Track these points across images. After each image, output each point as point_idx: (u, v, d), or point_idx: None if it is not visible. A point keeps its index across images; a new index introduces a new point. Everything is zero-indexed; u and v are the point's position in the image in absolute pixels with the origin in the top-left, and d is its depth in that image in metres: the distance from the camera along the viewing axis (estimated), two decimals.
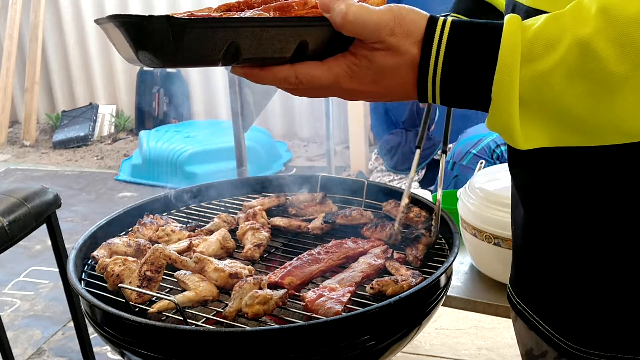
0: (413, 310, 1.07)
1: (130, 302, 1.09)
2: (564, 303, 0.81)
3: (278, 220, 1.41)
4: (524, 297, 0.89)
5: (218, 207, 1.54)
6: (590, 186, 0.73)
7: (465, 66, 0.61)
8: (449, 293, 1.26)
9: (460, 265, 1.69)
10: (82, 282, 1.19)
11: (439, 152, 4.36)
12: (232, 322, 1.04)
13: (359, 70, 0.64)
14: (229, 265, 1.17)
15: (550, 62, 0.58)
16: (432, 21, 0.63)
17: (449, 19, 0.63)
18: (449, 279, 1.20)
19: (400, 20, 0.62)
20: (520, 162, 0.81)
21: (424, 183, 4.44)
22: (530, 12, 0.69)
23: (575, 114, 0.60)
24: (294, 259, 1.21)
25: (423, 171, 4.39)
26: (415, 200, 1.45)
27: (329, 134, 3.29)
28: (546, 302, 0.84)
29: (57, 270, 2.11)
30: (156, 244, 1.21)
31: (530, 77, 0.59)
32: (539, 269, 0.84)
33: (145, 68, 6.34)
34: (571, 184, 0.74)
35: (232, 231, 1.37)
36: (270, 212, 1.48)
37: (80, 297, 1.09)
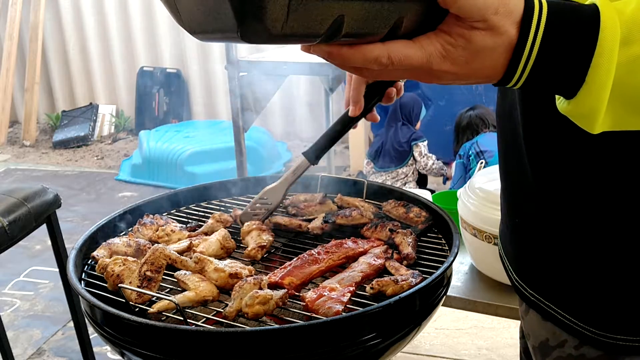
0: (413, 310, 1.07)
1: (130, 302, 1.09)
2: (583, 289, 0.80)
3: (279, 218, 1.42)
4: (537, 287, 0.87)
5: (218, 207, 1.54)
6: (613, 164, 0.72)
7: (562, 49, 0.59)
8: (449, 293, 1.26)
9: (460, 265, 1.69)
10: (82, 282, 1.19)
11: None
12: (232, 322, 1.04)
13: (454, 50, 0.60)
14: (229, 265, 1.17)
15: None
16: (528, 1, 0.60)
17: None
18: (449, 279, 1.20)
19: None
20: (541, 145, 0.79)
21: (421, 183, 4.45)
22: None
23: None
24: (294, 259, 1.21)
25: (415, 170, 4.39)
26: (415, 200, 1.45)
27: None
28: (563, 289, 0.83)
29: (57, 270, 2.11)
30: (156, 244, 1.21)
31: (627, 61, 0.58)
32: (554, 257, 0.83)
33: (146, 68, 6.34)
34: (592, 164, 0.74)
35: (231, 230, 1.37)
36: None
37: (80, 297, 1.09)
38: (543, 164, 0.80)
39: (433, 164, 4.32)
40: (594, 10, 0.59)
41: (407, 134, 4.33)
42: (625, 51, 0.58)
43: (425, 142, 4.34)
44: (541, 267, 0.86)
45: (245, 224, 1.35)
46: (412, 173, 4.35)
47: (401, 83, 1.20)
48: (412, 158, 4.33)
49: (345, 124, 1.20)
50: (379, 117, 1.21)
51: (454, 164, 3.98)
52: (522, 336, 1.08)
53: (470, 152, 3.64)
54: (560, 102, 0.64)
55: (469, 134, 3.88)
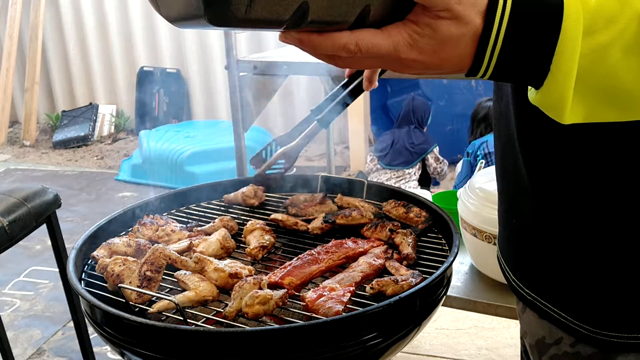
0: (413, 310, 1.07)
1: (130, 302, 1.09)
2: (578, 287, 0.81)
3: (278, 215, 1.42)
4: (534, 286, 0.88)
5: (218, 207, 1.54)
6: (606, 163, 0.73)
7: (526, 38, 0.60)
8: (449, 293, 1.26)
9: (460, 265, 1.69)
10: (82, 282, 1.19)
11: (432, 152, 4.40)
12: (232, 322, 1.04)
13: (421, 39, 0.61)
14: (229, 265, 1.17)
15: (609, 35, 0.58)
16: None
17: None
18: (449, 279, 1.20)
19: None
20: (534, 144, 0.81)
21: (422, 182, 4.45)
22: None
23: (625, 88, 0.60)
24: (294, 259, 1.21)
25: (419, 170, 4.40)
26: (415, 200, 1.45)
27: (329, 134, 3.29)
28: (559, 288, 0.84)
29: (57, 270, 2.11)
30: (156, 244, 1.21)
31: (590, 50, 0.59)
32: (550, 256, 0.83)
33: (146, 68, 6.34)
34: (584, 162, 0.75)
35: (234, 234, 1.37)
36: (270, 211, 1.48)
37: (80, 297, 1.09)
38: (537, 163, 0.81)
39: (447, 167, 4.41)
40: (558, 2, 0.60)
41: (421, 137, 4.38)
42: (589, 41, 0.59)
43: (437, 148, 4.40)
44: (537, 267, 0.87)
45: (249, 222, 1.36)
46: (415, 173, 4.37)
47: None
48: (420, 161, 4.37)
49: (352, 91, 1.25)
50: (377, 84, 1.26)
51: (459, 164, 3.96)
52: (522, 335, 1.09)
53: (479, 151, 3.60)
54: (531, 93, 0.65)
55: (482, 128, 3.85)
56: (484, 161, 3.44)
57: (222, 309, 1.08)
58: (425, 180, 4.49)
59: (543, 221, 0.83)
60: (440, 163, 4.42)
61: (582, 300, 0.81)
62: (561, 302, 0.84)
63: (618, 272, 0.77)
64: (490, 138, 3.66)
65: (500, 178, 0.96)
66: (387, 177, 4.30)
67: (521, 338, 1.10)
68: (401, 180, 4.31)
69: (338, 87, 1.28)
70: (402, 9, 0.63)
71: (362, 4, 0.62)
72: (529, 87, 0.65)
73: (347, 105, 1.29)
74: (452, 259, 1.16)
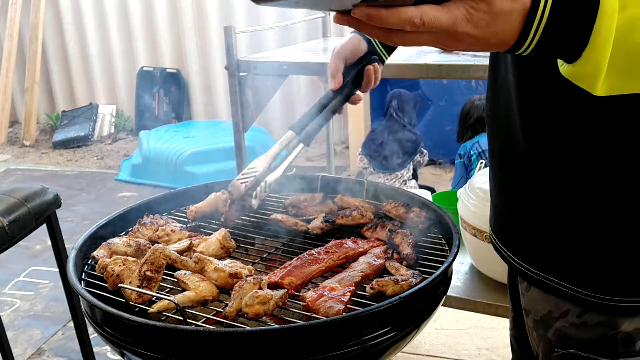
0: (413, 310, 1.07)
1: (130, 302, 1.09)
2: (585, 258, 0.86)
3: (278, 215, 1.42)
4: (541, 265, 0.93)
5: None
6: (605, 142, 0.80)
7: (569, 13, 0.66)
8: (449, 293, 1.26)
9: (460, 265, 1.69)
10: (82, 282, 1.19)
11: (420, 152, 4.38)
12: (232, 322, 1.04)
13: (477, 13, 0.66)
14: (229, 265, 1.17)
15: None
16: None
17: None
18: (449, 279, 1.20)
19: None
20: (538, 131, 0.86)
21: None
22: None
23: None
24: (294, 259, 1.21)
25: (411, 169, 4.39)
26: (415, 200, 1.45)
27: (329, 134, 3.28)
28: (565, 262, 0.89)
29: (57, 270, 2.11)
30: (156, 244, 1.21)
31: (624, 23, 0.65)
32: (555, 233, 0.89)
33: (146, 68, 6.34)
34: (584, 143, 0.81)
35: (232, 230, 1.37)
36: (270, 211, 1.48)
37: (80, 297, 1.09)
38: (541, 148, 0.87)
39: (427, 159, 4.40)
40: None
41: (410, 136, 4.33)
42: (624, 14, 0.65)
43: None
44: (543, 245, 0.92)
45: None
46: (407, 172, 4.36)
47: (379, 67, 1.30)
48: (411, 162, 4.35)
49: (329, 98, 1.28)
50: (362, 98, 1.30)
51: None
52: (514, 326, 1.15)
53: (472, 152, 3.61)
54: (563, 67, 0.70)
55: (474, 129, 3.84)
56: (483, 161, 3.44)
57: (222, 309, 1.08)
58: (414, 175, 4.48)
59: (546, 203, 0.89)
60: (424, 156, 4.41)
61: (588, 270, 0.87)
62: (569, 275, 0.89)
63: (622, 240, 0.83)
64: (481, 138, 3.67)
65: (499, 169, 1.01)
66: (381, 181, 4.28)
67: (512, 329, 1.13)
68: (395, 182, 4.30)
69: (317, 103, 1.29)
70: None
71: None
72: (560, 62, 0.71)
73: (324, 111, 1.29)
74: (452, 259, 1.16)
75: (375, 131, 4.53)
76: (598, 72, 0.67)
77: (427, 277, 1.10)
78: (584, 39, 0.66)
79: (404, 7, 0.66)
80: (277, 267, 1.21)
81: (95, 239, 1.31)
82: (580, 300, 0.89)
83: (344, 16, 0.68)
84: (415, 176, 4.46)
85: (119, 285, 1.09)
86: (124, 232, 1.39)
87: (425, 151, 4.38)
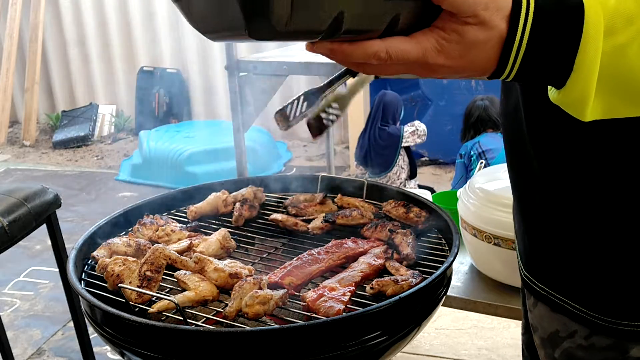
0: (413, 310, 1.07)
1: (130, 302, 1.09)
2: (594, 279, 0.83)
3: (278, 215, 1.42)
4: (547, 280, 0.90)
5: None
6: (619, 156, 0.76)
7: (549, 40, 0.63)
8: (449, 293, 1.26)
9: (460, 265, 1.69)
10: (82, 282, 1.19)
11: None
12: (232, 322, 1.04)
13: (448, 45, 0.64)
14: (229, 265, 1.17)
15: (628, 35, 0.62)
16: None
17: None
18: (449, 279, 1.20)
19: None
20: (545, 142, 0.83)
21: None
22: None
23: None
24: (294, 259, 1.21)
25: (403, 162, 4.38)
26: (415, 200, 1.45)
27: (329, 134, 3.29)
28: (574, 281, 0.86)
29: (57, 270, 2.11)
30: (156, 244, 1.21)
31: (611, 49, 0.62)
32: (564, 249, 0.86)
33: (146, 68, 6.34)
34: (598, 156, 0.78)
35: (231, 230, 1.37)
36: (270, 211, 1.48)
37: (80, 297, 1.09)
38: (548, 158, 0.84)
39: (425, 134, 4.33)
40: (578, 3, 0.62)
41: (387, 135, 4.32)
42: (610, 41, 0.62)
43: (406, 127, 4.35)
44: (551, 260, 0.89)
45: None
46: (400, 169, 4.36)
47: None
48: (398, 160, 4.33)
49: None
50: None
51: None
52: (525, 332, 1.10)
53: (472, 152, 3.62)
54: (552, 92, 0.67)
55: (475, 129, 3.84)
56: (483, 161, 3.44)
57: (222, 309, 1.08)
58: (412, 169, 4.47)
59: (556, 215, 0.86)
60: (417, 132, 4.30)
61: (597, 291, 0.83)
62: (576, 294, 0.86)
63: (633, 262, 0.79)
64: (482, 138, 3.67)
65: (513, 178, 0.98)
66: None
67: (523, 334, 1.10)
68: (390, 182, 4.30)
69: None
70: (429, 16, 0.65)
71: (393, 12, 0.63)
72: (549, 87, 0.68)
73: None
74: (452, 259, 1.16)
75: (360, 138, 4.53)
76: (584, 99, 0.64)
77: (427, 277, 1.10)
78: (567, 67, 0.63)
79: (369, 40, 0.63)
80: (277, 267, 1.21)
81: (95, 239, 1.31)
82: (588, 322, 0.85)
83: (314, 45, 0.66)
84: (413, 170, 4.44)
85: (119, 285, 1.09)
86: (124, 232, 1.39)
87: (419, 128, 4.31)
